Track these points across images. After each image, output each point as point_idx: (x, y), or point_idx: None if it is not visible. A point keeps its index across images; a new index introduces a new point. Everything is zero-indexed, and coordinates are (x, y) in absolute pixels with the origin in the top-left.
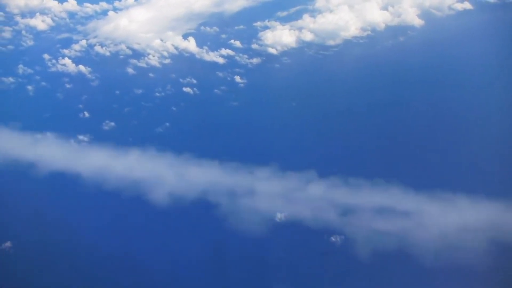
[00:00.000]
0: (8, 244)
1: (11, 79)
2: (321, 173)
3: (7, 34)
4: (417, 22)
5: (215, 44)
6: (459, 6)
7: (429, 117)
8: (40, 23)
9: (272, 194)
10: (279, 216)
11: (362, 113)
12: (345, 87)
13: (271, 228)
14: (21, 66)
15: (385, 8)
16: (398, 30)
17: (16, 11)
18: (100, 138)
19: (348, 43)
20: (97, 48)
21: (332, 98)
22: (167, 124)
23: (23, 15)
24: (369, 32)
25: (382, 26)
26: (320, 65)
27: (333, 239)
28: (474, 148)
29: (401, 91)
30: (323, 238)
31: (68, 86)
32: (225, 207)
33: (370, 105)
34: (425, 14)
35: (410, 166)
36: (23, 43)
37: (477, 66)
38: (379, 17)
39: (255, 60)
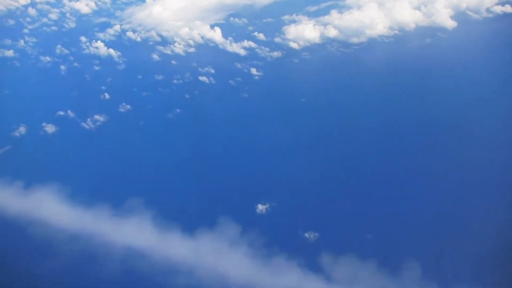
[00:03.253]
0: None
1: (48, 58)
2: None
3: (54, 15)
4: (449, 23)
5: (240, 35)
6: (499, 9)
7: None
8: (84, 6)
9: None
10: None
11: (369, 116)
12: (357, 88)
13: None
14: (59, 46)
15: (417, 7)
16: (427, 31)
17: None
18: (114, 119)
19: (372, 42)
20: (129, 34)
21: (342, 98)
22: (178, 110)
23: None
24: (397, 32)
25: (412, 26)
26: (337, 62)
27: None
28: None
29: (418, 97)
30: None
31: (96, 68)
32: None
33: (379, 109)
34: (459, 15)
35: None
36: (65, 25)
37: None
38: (409, 17)
39: (275, 54)
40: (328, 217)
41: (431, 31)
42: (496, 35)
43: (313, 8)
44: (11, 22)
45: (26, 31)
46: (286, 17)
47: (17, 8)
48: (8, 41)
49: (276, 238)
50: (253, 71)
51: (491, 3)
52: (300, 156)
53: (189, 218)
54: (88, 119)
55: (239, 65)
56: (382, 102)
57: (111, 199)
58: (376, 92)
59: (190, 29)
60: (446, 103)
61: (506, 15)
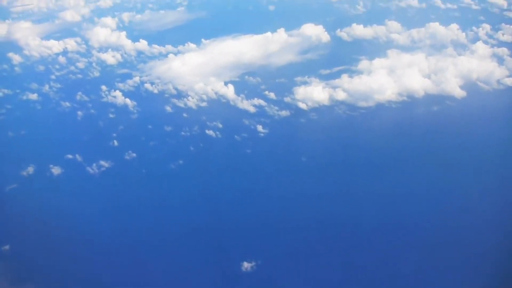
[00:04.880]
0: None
1: (67, 104)
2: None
3: (81, 64)
4: (459, 93)
5: (252, 93)
6: (510, 81)
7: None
8: (110, 58)
9: None
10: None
11: (369, 179)
12: (360, 150)
13: None
14: (80, 93)
15: (427, 75)
16: (436, 99)
17: (96, 45)
18: (118, 166)
19: (380, 107)
20: (147, 85)
21: (343, 159)
22: (181, 161)
23: (99, 49)
24: (405, 98)
25: (421, 93)
26: (343, 124)
27: None
28: None
29: (421, 163)
30: None
31: (111, 116)
32: None
33: (380, 173)
34: (469, 85)
35: None
36: (90, 74)
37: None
38: (419, 84)
39: (283, 113)
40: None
41: (440, 99)
42: (506, 107)
43: (325, 71)
44: (41, 68)
45: (53, 77)
46: (299, 78)
47: (49, 55)
48: (35, 85)
49: None
50: (259, 128)
51: (502, 75)
52: (294, 216)
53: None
54: (94, 164)
55: (246, 122)
56: (384, 166)
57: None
58: (378, 155)
59: (205, 84)
60: (449, 171)
61: None
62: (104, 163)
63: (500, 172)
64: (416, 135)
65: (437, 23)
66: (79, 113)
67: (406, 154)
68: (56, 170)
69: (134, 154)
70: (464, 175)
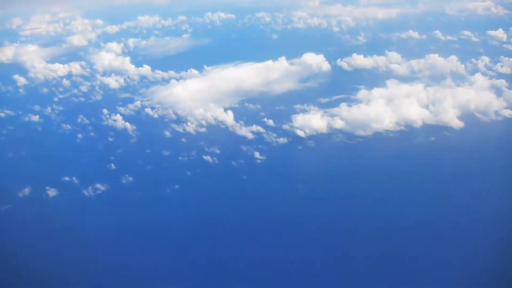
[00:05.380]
0: None
1: (68, 126)
2: None
3: (84, 88)
4: (456, 123)
5: (251, 119)
6: (508, 113)
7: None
8: (113, 82)
9: None
10: None
11: (364, 208)
12: (356, 179)
13: None
14: (81, 116)
15: (425, 106)
16: (434, 129)
17: (100, 69)
18: (114, 189)
19: (377, 136)
20: (148, 110)
21: (339, 187)
22: (176, 186)
23: (103, 73)
24: (403, 128)
25: (419, 123)
26: (340, 153)
27: None
28: None
29: (417, 192)
30: None
31: (110, 139)
32: None
33: (375, 201)
34: (467, 116)
35: None
36: (92, 97)
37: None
38: (416, 114)
39: (281, 140)
40: None
41: (437, 130)
42: (504, 138)
43: (324, 100)
44: (45, 90)
45: (56, 99)
46: (298, 106)
47: (54, 78)
48: (37, 107)
49: None
50: (257, 154)
51: (500, 107)
52: (289, 243)
53: None
54: (90, 187)
55: (244, 148)
56: (381, 195)
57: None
58: (375, 184)
59: (204, 110)
60: (447, 201)
61: None
62: (100, 186)
63: (498, 202)
64: (413, 165)
65: (436, 55)
66: (79, 135)
67: (403, 183)
68: (52, 192)
69: (131, 178)
70: (462, 205)
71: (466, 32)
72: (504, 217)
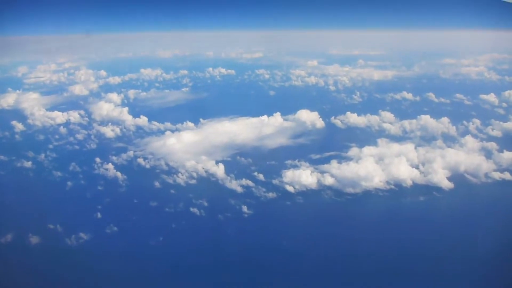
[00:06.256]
0: None
1: (59, 173)
2: None
3: (80, 136)
4: (446, 184)
5: (241, 173)
6: (497, 176)
7: None
8: (109, 131)
9: None
10: None
11: (350, 271)
12: (343, 238)
13: None
14: (73, 164)
15: (415, 166)
16: (423, 189)
17: (98, 118)
18: (97, 239)
19: (367, 194)
20: (140, 160)
21: (325, 246)
22: (160, 238)
23: (100, 123)
24: (393, 187)
25: (409, 182)
26: (329, 210)
27: None
28: None
29: (403, 251)
30: None
31: (99, 188)
32: None
33: (362, 265)
34: (456, 177)
35: None
36: (87, 146)
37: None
38: (406, 174)
39: (270, 195)
40: None
41: (427, 190)
42: (493, 201)
43: (316, 156)
44: (41, 137)
45: (51, 146)
46: (289, 161)
47: (51, 126)
48: (31, 153)
49: None
50: (244, 208)
51: (490, 169)
52: None
53: None
54: (73, 236)
55: (232, 201)
56: (368, 255)
57: None
58: (362, 243)
59: (196, 162)
60: (435, 263)
61: (505, 182)
62: (84, 235)
63: (487, 266)
64: (402, 224)
65: (428, 116)
66: (69, 183)
67: (391, 243)
68: (34, 239)
69: (116, 228)
70: (450, 267)
71: (459, 95)
72: (491, 282)
